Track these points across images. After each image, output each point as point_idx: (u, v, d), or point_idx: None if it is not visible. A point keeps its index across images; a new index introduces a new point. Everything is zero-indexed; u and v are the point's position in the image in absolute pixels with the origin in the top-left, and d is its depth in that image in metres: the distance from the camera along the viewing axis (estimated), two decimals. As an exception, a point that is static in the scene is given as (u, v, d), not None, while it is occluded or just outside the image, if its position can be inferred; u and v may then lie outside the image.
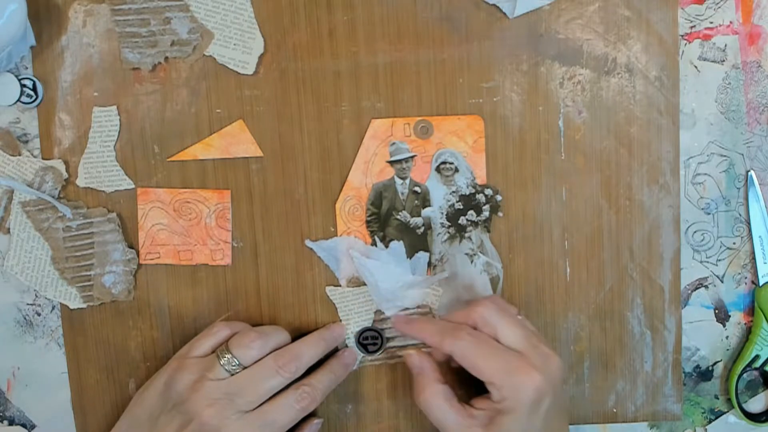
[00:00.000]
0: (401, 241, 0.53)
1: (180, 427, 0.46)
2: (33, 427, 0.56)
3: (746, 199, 0.54)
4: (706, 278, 0.55)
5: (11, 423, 0.55)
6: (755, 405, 0.56)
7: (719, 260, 0.54)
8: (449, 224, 0.52)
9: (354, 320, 0.54)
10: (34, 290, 0.54)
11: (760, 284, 0.54)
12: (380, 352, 0.54)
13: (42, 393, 0.55)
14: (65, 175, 0.53)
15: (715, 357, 0.55)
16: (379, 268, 0.52)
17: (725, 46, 0.53)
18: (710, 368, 0.56)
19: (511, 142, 0.53)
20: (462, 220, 0.52)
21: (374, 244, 0.53)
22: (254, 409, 0.47)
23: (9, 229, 0.53)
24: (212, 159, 0.53)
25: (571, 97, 0.53)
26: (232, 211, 0.53)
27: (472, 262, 0.53)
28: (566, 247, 0.54)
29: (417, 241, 0.53)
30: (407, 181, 0.52)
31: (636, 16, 0.52)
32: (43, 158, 0.53)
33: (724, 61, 0.53)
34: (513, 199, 0.53)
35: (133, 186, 0.53)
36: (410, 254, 0.53)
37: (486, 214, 0.52)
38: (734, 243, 0.54)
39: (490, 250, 0.52)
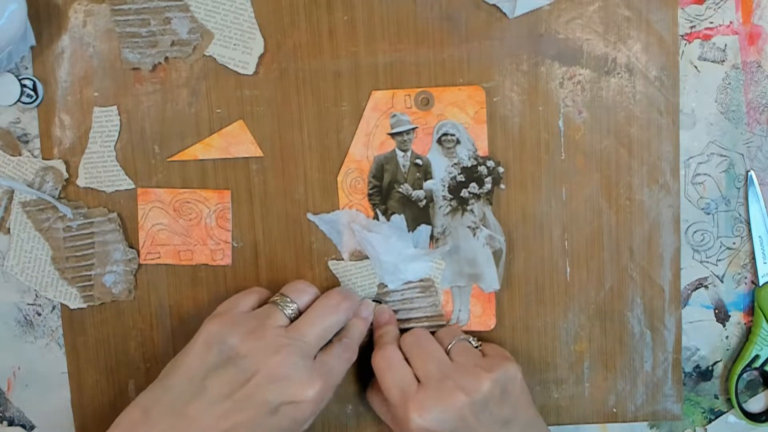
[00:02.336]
0: (402, 215, 0.52)
1: (242, 381, 0.44)
2: (32, 427, 0.56)
3: (746, 199, 0.54)
4: (706, 278, 0.55)
5: (11, 423, 0.55)
6: (755, 405, 0.56)
7: (719, 260, 0.55)
8: (451, 197, 0.52)
9: (357, 293, 0.54)
10: (35, 290, 0.54)
11: (760, 284, 0.54)
12: None
13: (42, 393, 0.55)
14: (65, 175, 0.53)
15: (715, 357, 0.56)
16: (381, 241, 0.52)
17: (725, 46, 0.53)
18: (710, 368, 0.56)
19: (511, 142, 0.53)
20: (464, 193, 0.52)
21: (376, 217, 0.53)
22: (315, 357, 0.47)
23: (9, 229, 0.53)
24: (212, 159, 0.53)
25: (571, 97, 0.53)
26: (232, 211, 0.53)
27: (474, 235, 0.52)
28: (566, 247, 0.54)
29: (419, 214, 0.53)
30: (408, 153, 0.52)
31: (636, 16, 0.52)
32: (43, 158, 0.53)
33: (724, 61, 0.53)
34: (513, 199, 0.53)
35: (134, 186, 0.53)
36: (412, 227, 0.53)
37: (488, 186, 0.52)
38: (734, 243, 0.54)
39: (493, 223, 0.52)
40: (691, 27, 0.53)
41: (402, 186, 0.52)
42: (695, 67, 0.53)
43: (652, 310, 0.54)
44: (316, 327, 0.47)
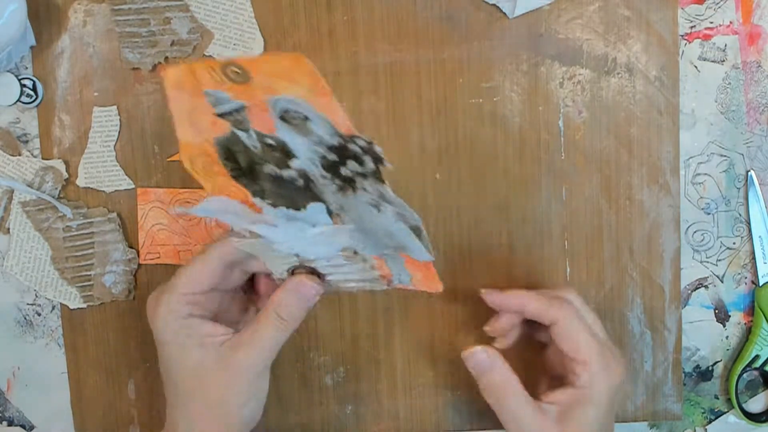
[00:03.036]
0: (281, 207, 0.44)
1: None
2: (32, 427, 0.56)
3: (746, 199, 0.54)
4: (706, 278, 0.55)
5: (11, 423, 0.55)
6: (755, 405, 0.56)
7: (719, 260, 0.55)
8: (331, 175, 0.42)
9: (280, 265, 0.47)
10: (34, 290, 0.54)
11: (760, 284, 0.54)
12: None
13: (42, 393, 0.55)
14: (65, 175, 0.53)
15: (715, 357, 0.56)
16: (270, 231, 0.45)
17: (725, 46, 0.53)
18: (710, 368, 0.56)
19: (511, 142, 0.53)
20: (345, 171, 0.42)
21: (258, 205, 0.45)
22: None
23: (9, 229, 0.53)
24: (212, 159, 0.53)
25: (571, 97, 0.53)
26: (232, 211, 0.53)
27: (379, 211, 0.43)
28: (566, 247, 0.54)
29: (302, 195, 0.43)
30: (252, 132, 0.42)
31: (636, 16, 0.52)
32: (43, 158, 0.53)
33: (724, 61, 0.53)
34: (513, 198, 0.53)
35: (133, 186, 0.53)
36: (302, 206, 0.44)
37: (370, 165, 0.41)
38: (734, 243, 0.54)
39: (395, 201, 0.43)
40: (691, 27, 0.53)
41: (266, 167, 0.43)
42: (695, 67, 0.53)
43: (652, 310, 0.54)
44: None
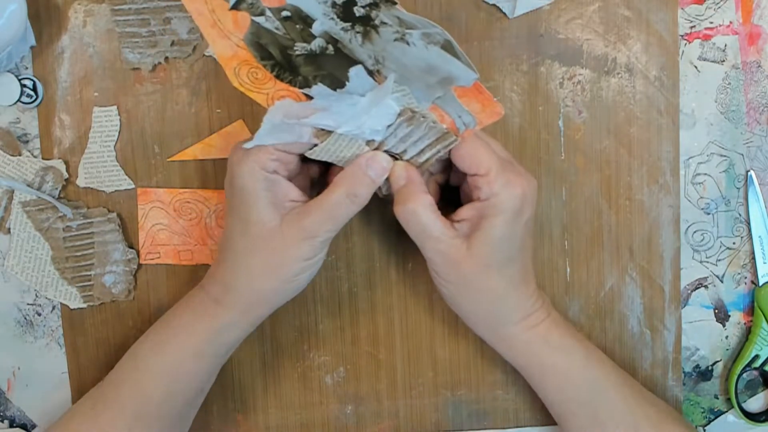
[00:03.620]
0: (320, 82, 0.44)
1: None
2: (33, 427, 0.56)
3: (746, 199, 0.54)
4: (705, 278, 0.55)
5: (11, 423, 0.55)
6: (755, 405, 0.56)
7: (719, 260, 0.55)
8: (351, 24, 0.43)
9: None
10: (35, 290, 0.54)
11: (760, 284, 0.54)
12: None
13: (42, 393, 0.55)
14: (65, 175, 0.53)
15: (715, 357, 0.56)
16: (325, 117, 0.44)
17: (725, 46, 0.53)
18: (710, 368, 0.56)
19: (511, 142, 0.53)
20: (359, 11, 0.42)
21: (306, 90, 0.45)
22: None
23: (9, 229, 0.53)
24: (212, 159, 0.53)
25: (571, 97, 0.53)
26: (232, 211, 0.53)
27: (408, 43, 0.43)
28: (566, 247, 0.54)
29: (339, 63, 0.44)
30: (267, 13, 0.43)
31: (636, 16, 0.52)
32: (43, 158, 0.53)
33: (724, 61, 0.53)
34: (513, 199, 0.53)
35: (133, 186, 0.53)
36: (345, 76, 0.44)
37: None
38: (734, 243, 0.54)
39: (414, 20, 0.42)
40: (691, 27, 0.53)
41: (297, 46, 0.44)
42: (695, 67, 0.53)
43: (652, 310, 0.54)
44: None
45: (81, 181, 0.53)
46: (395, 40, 0.43)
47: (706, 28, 0.53)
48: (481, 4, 0.52)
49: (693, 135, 0.53)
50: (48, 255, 0.53)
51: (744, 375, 0.55)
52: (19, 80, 0.52)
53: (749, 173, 0.54)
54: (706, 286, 0.55)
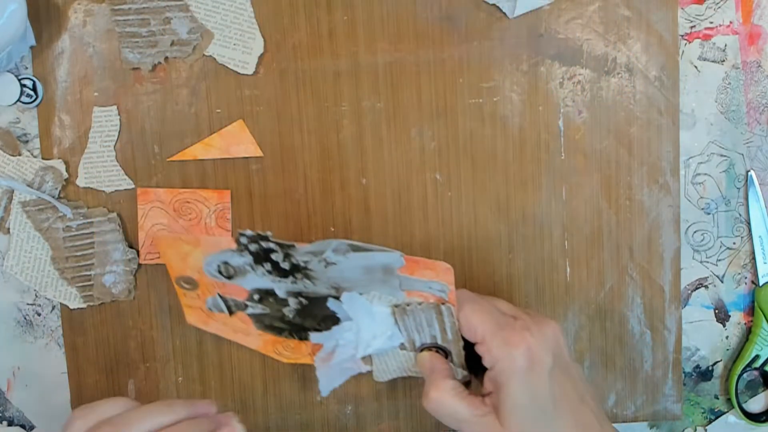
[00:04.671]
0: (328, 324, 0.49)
1: None
2: (32, 427, 0.55)
3: (746, 199, 0.54)
4: (706, 278, 0.55)
5: (11, 423, 0.55)
6: (755, 405, 0.56)
7: (719, 260, 0.55)
8: (292, 276, 0.47)
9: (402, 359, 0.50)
10: (34, 290, 0.54)
11: (760, 284, 0.54)
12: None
13: (42, 393, 0.55)
14: (65, 175, 0.53)
15: (715, 357, 0.56)
16: (348, 348, 0.49)
17: (725, 46, 0.53)
18: (710, 368, 0.56)
19: (511, 142, 0.53)
20: (284, 265, 0.46)
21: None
22: None
23: (9, 229, 0.53)
24: (212, 159, 0.53)
25: (571, 97, 0.53)
26: (232, 211, 0.53)
27: (334, 263, 0.45)
28: (566, 247, 0.54)
29: (315, 304, 0.48)
30: (249, 303, 0.50)
31: (636, 16, 0.52)
32: (43, 158, 0.53)
33: (724, 61, 0.53)
34: (513, 198, 0.53)
35: (133, 186, 0.53)
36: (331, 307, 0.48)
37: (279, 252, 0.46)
38: (734, 243, 0.54)
39: (312, 247, 0.45)
40: (691, 27, 0.53)
41: (284, 311, 0.49)
42: (695, 67, 0.53)
43: (652, 310, 0.54)
44: None
45: (81, 181, 0.53)
46: (325, 267, 0.46)
47: (706, 28, 0.53)
48: (481, 4, 0.52)
49: (693, 135, 0.53)
50: (48, 255, 0.53)
51: (744, 375, 0.55)
52: (19, 80, 0.52)
53: (749, 173, 0.54)
54: (706, 286, 0.55)
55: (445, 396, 0.44)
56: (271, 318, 0.51)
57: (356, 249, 0.45)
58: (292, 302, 0.49)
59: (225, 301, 0.50)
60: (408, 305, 0.46)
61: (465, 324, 0.44)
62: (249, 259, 0.47)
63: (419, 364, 0.47)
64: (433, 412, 0.45)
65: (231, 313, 0.51)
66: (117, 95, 0.53)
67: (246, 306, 0.50)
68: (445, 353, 0.48)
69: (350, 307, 0.47)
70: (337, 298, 0.47)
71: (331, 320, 0.49)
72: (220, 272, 0.48)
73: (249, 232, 0.45)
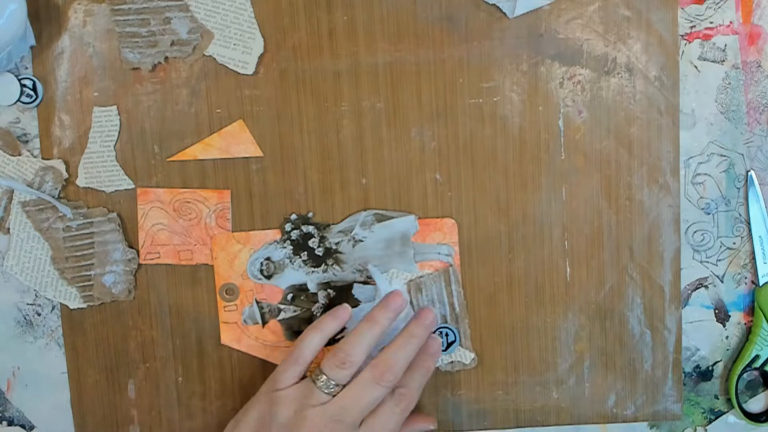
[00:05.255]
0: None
1: None
2: (32, 427, 0.55)
3: (746, 199, 0.54)
4: (706, 278, 0.55)
5: (10, 423, 0.55)
6: (755, 405, 0.56)
7: (719, 260, 0.55)
8: (324, 264, 0.53)
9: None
10: (34, 290, 0.54)
11: (760, 284, 0.54)
12: (453, 347, 0.53)
13: (42, 393, 0.55)
14: (65, 175, 0.53)
15: (715, 357, 0.55)
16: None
17: (725, 46, 0.53)
18: (710, 368, 0.56)
19: (511, 142, 0.53)
20: (319, 252, 0.53)
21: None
22: (360, 424, 0.47)
23: (9, 229, 0.53)
24: (212, 159, 0.53)
25: (571, 97, 0.53)
26: (232, 211, 0.53)
27: (361, 240, 0.53)
28: (566, 247, 0.54)
29: (344, 292, 0.53)
30: (282, 307, 0.54)
31: (636, 16, 0.52)
32: (43, 158, 0.53)
33: (724, 61, 0.53)
34: (513, 199, 0.53)
35: (133, 186, 0.53)
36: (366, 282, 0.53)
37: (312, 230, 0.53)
38: (734, 243, 0.54)
39: (346, 223, 0.53)
40: (691, 27, 0.53)
41: (313, 309, 0.54)
42: (695, 67, 0.53)
43: (652, 310, 0.54)
44: (359, 401, 0.47)
45: (81, 181, 0.53)
46: (353, 246, 0.53)
47: (706, 28, 0.53)
48: (481, 4, 0.52)
49: (693, 135, 0.53)
50: (48, 255, 0.53)
51: (744, 375, 0.55)
52: (19, 80, 0.52)
53: (749, 173, 0.54)
54: (706, 286, 0.55)
55: None
56: (300, 321, 0.53)
57: (380, 219, 0.52)
58: (321, 296, 0.53)
59: (260, 308, 0.53)
60: (420, 277, 0.52)
61: None
62: (289, 249, 0.52)
63: None
64: None
65: (264, 323, 0.53)
66: (117, 95, 0.53)
67: (279, 311, 0.53)
68: (455, 336, 0.53)
69: (376, 278, 0.52)
70: (362, 283, 0.53)
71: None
72: (261, 272, 0.53)
73: (294, 216, 0.52)
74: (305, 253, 0.53)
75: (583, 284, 0.54)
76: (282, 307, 0.53)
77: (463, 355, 0.53)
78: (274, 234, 0.53)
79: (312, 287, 0.53)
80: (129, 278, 0.53)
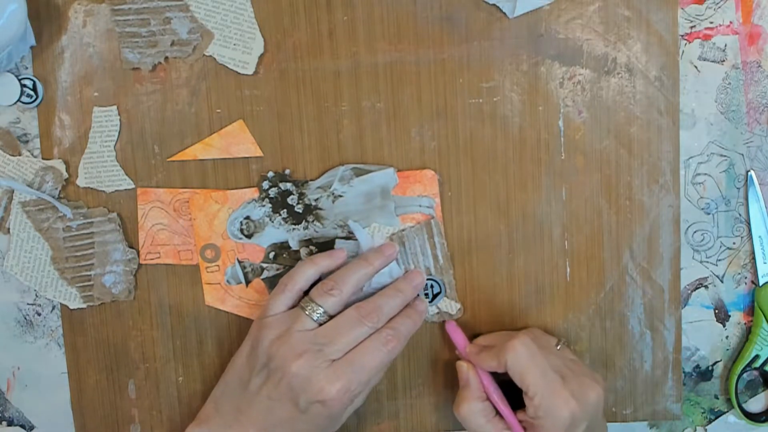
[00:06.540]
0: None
1: (272, 385, 0.47)
2: (32, 427, 0.55)
3: (746, 199, 0.54)
4: (706, 278, 0.55)
5: (10, 423, 0.55)
6: (755, 405, 0.56)
7: (719, 260, 0.55)
8: (304, 221, 0.53)
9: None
10: (34, 290, 0.54)
11: (760, 284, 0.54)
12: (439, 298, 0.54)
13: (42, 393, 0.55)
14: (65, 175, 0.53)
15: (715, 357, 0.56)
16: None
17: (725, 46, 0.53)
18: (710, 368, 0.56)
19: (511, 142, 0.53)
20: (298, 208, 0.53)
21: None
22: (342, 357, 0.47)
23: (9, 229, 0.53)
24: (212, 159, 0.53)
25: (571, 97, 0.53)
26: (232, 211, 0.53)
27: (341, 196, 0.53)
28: (566, 247, 0.54)
29: (329, 241, 0.53)
30: (265, 266, 0.53)
31: (636, 16, 0.52)
32: (43, 158, 0.53)
33: (724, 61, 0.53)
34: (513, 198, 0.53)
35: (133, 186, 0.53)
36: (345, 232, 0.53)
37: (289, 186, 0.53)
38: (734, 243, 0.54)
39: (324, 178, 0.53)
40: (691, 27, 0.53)
41: (304, 250, 0.53)
42: (695, 67, 0.53)
43: (652, 310, 0.54)
44: (342, 334, 0.47)
45: (81, 181, 0.53)
46: (333, 202, 0.52)
47: (706, 28, 0.53)
48: (481, 4, 0.52)
49: (693, 135, 0.53)
50: (48, 255, 0.53)
51: (744, 375, 0.55)
52: (19, 80, 0.52)
53: (749, 173, 0.54)
54: (706, 286, 0.55)
55: (473, 414, 0.50)
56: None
57: (359, 173, 0.52)
58: (303, 253, 0.53)
59: (243, 267, 0.52)
60: (403, 230, 0.53)
61: (519, 373, 0.48)
62: (268, 208, 0.52)
63: (457, 370, 0.52)
64: (460, 420, 0.50)
65: (248, 282, 0.53)
66: (117, 95, 0.53)
67: (262, 270, 0.53)
68: (440, 287, 0.53)
69: (357, 233, 0.52)
70: (344, 238, 0.52)
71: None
72: (241, 231, 0.52)
73: (271, 173, 0.52)
74: (285, 210, 0.52)
75: (583, 284, 0.54)
76: (265, 265, 0.53)
77: (449, 306, 0.53)
78: (252, 192, 0.53)
79: (294, 244, 0.53)
80: (129, 278, 0.53)
